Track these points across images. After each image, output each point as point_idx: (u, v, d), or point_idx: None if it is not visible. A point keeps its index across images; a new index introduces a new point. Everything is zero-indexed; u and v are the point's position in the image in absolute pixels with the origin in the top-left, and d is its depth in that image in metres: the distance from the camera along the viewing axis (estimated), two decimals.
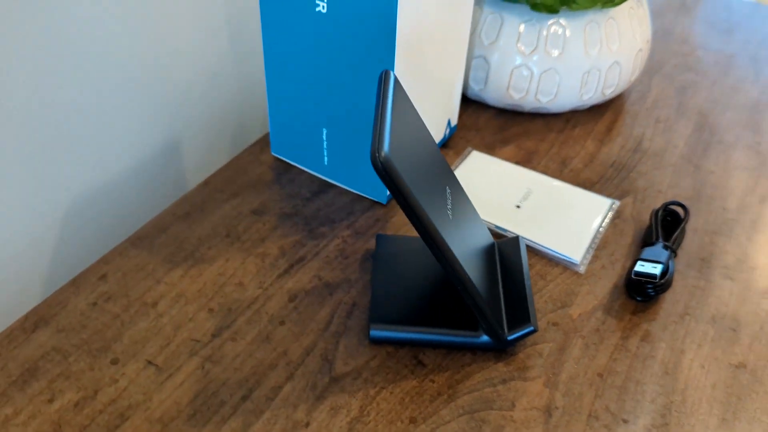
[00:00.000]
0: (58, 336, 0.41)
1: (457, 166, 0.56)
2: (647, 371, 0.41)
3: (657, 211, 0.51)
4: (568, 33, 0.58)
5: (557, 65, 0.59)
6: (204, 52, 0.59)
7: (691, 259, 0.49)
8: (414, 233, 0.50)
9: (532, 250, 0.49)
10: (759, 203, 0.55)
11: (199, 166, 0.63)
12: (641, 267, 0.46)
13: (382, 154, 0.33)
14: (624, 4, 0.60)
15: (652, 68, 0.73)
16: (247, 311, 0.44)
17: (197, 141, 0.62)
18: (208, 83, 0.61)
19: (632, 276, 0.45)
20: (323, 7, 0.45)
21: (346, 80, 0.48)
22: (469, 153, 0.58)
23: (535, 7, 0.56)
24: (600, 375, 0.41)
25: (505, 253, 0.46)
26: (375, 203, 0.53)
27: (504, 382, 0.40)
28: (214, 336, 0.42)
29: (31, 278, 0.51)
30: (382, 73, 0.39)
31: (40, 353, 0.40)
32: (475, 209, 0.45)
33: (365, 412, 0.38)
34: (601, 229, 0.51)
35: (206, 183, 0.54)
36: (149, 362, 0.40)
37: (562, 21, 0.58)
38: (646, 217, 0.53)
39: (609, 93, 0.63)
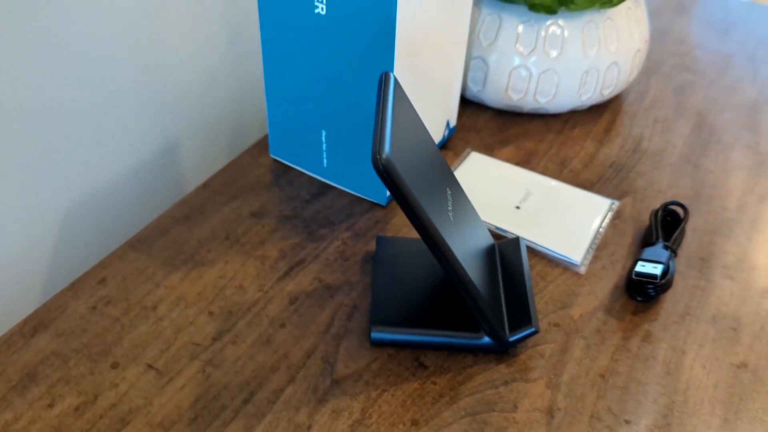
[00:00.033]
0: (57, 340, 0.41)
1: (456, 168, 0.56)
2: (649, 372, 0.41)
3: (657, 211, 0.51)
4: (566, 33, 0.58)
5: (556, 66, 0.59)
6: (202, 54, 0.59)
7: (691, 259, 0.49)
8: (414, 235, 0.50)
9: (533, 251, 0.49)
10: (758, 203, 0.55)
11: (197, 168, 0.63)
12: (642, 267, 0.46)
13: (384, 156, 0.33)
14: (622, 5, 0.60)
15: (649, 68, 0.73)
16: (247, 314, 0.44)
17: (195, 143, 0.62)
18: (206, 85, 0.61)
19: (633, 276, 0.45)
20: (322, 8, 0.45)
21: (346, 82, 0.48)
22: (468, 154, 0.58)
23: (534, 7, 0.56)
24: (602, 376, 0.41)
25: (505, 254, 0.46)
26: (374, 205, 0.53)
27: (506, 383, 0.40)
28: (214, 339, 0.42)
29: (30, 282, 0.50)
30: (382, 75, 0.39)
31: (40, 358, 0.40)
32: (475, 210, 0.45)
33: (367, 415, 0.38)
34: (601, 229, 0.51)
35: (205, 185, 0.54)
36: (150, 366, 0.40)
37: (561, 21, 0.58)
38: (645, 217, 0.53)
39: (607, 93, 0.63)
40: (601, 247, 0.50)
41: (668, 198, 0.55)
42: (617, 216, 0.53)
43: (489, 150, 0.59)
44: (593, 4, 0.56)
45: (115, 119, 0.53)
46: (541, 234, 0.50)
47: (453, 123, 0.59)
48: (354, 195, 0.53)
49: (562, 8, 0.57)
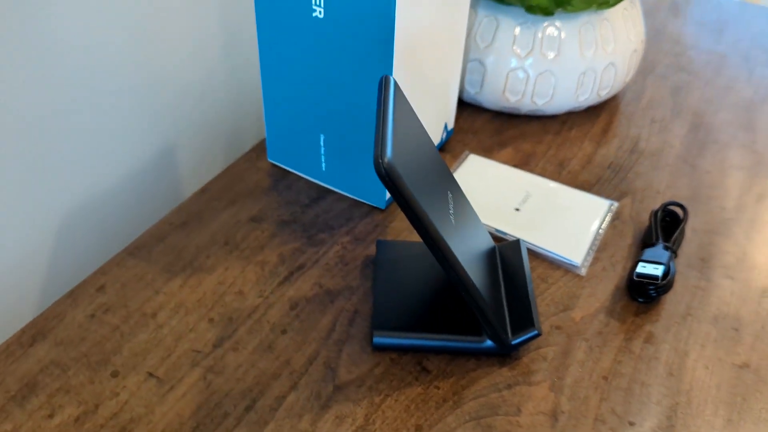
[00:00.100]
0: (56, 349, 0.41)
1: (454, 170, 0.56)
2: (652, 373, 0.41)
3: (656, 212, 0.51)
4: (563, 35, 0.58)
5: (553, 67, 0.59)
6: (198, 58, 0.58)
7: (691, 260, 0.49)
8: (414, 238, 0.50)
9: (533, 253, 0.49)
10: (756, 202, 0.55)
11: (194, 173, 0.63)
12: (643, 268, 0.46)
13: (386, 160, 0.32)
14: (618, 5, 0.60)
15: (645, 69, 0.73)
16: (248, 320, 0.43)
17: (192, 148, 0.62)
18: (203, 90, 0.60)
19: (634, 277, 0.45)
20: (320, 12, 0.45)
21: (344, 85, 0.47)
22: (467, 156, 0.58)
23: (530, 9, 0.56)
24: (605, 378, 0.41)
25: (506, 256, 0.46)
26: (374, 209, 0.53)
27: (509, 387, 0.40)
28: (215, 346, 0.42)
29: (28, 291, 0.50)
30: (382, 79, 0.39)
31: (39, 367, 0.40)
32: (475, 213, 0.45)
33: (370, 421, 0.38)
34: (600, 230, 0.51)
35: (203, 191, 0.53)
36: (150, 374, 0.40)
37: (557, 23, 0.58)
38: (644, 218, 0.53)
39: (604, 94, 0.63)
40: (601, 248, 0.50)
41: (666, 198, 0.55)
42: (616, 217, 0.53)
43: (487, 152, 0.59)
44: (590, 6, 0.56)
45: (111, 124, 0.52)
46: (541, 236, 0.50)
47: (451, 125, 0.59)
48: (353, 199, 0.53)
49: (559, 10, 0.57)
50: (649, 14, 0.86)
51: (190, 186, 0.63)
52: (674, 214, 0.52)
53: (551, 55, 0.59)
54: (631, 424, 0.39)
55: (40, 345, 0.41)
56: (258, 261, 0.47)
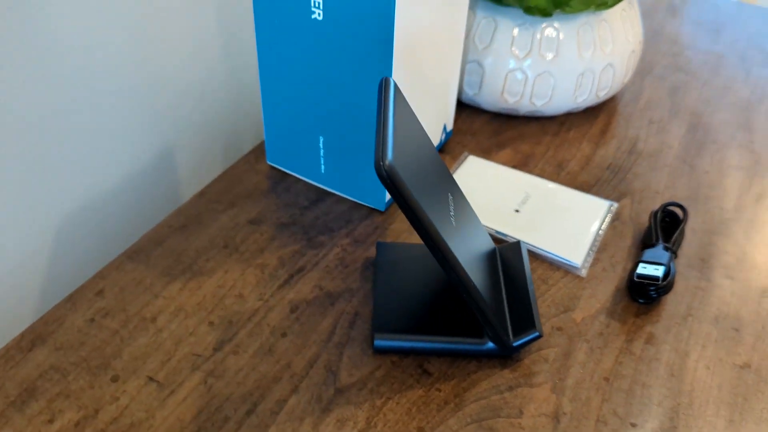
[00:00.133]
0: (56, 354, 0.41)
1: (454, 172, 0.56)
2: (653, 374, 0.41)
3: (656, 213, 0.51)
4: (561, 36, 0.58)
5: (551, 68, 0.59)
6: (197, 61, 0.58)
7: (691, 260, 0.49)
8: (414, 240, 0.50)
9: (533, 255, 0.49)
10: (755, 202, 0.55)
11: (192, 176, 0.63)
12: (643, 269, 0.46)
13: (387, 162, 0.32)
14: (616, 6, 0.60)
15: (643, 69, 0.73)
16: (248, 324, 0.43)
17: (191, 151, 0.61)
18: (201, 92, 0.60)
19: (634, 278, 0.45)
20: (319, 14, 0.45)
21: (343, 87, 0.47)
22: (466, 158, 0.58)
23: (529, 10, 0.56)
24: (606, 379, 0.41)
25: (506, 258, 0.46)
26: (373, 210, 0.52)
27: (511, 389, 0.40)
28: (215, 350, 0.41)
29: (26, 295, 0.50)
30: (382, 80, 0.39)
31: (38, 372, 0.40)
32: (476, 215, 0.45)
33: (372, 424, 0.38)
34: (600, 231, 0.51)
35: (201, 194, 0.53)
36: (150, 379, 0.40)
37: (556, 24, 0.58)
38: (644, 219, 0.53)
39: (603, 95, 0.63)
40: (601, 249, 0.50)
41: (666, 199, 0.55)
42: (616, 218, 0.53)
43: (486, 153, 0.59)
44: (588, 7, 0.56)
45: (108, 126, 0.52)
46: (541, 237, 0.50)
47: (450, 127, 0.59)
48: (352, 201, 0.53)
49: (557, 11, 0.57)
50: (646, 15, 0.86)
51: (189, 188, 0.63)
52: (674, 214, 0.52)
53: (550, 56, 0.59)
54: (633, 425, 0.38)
55: (40, 350, 0.41)
56: (258, 264, 0.47)
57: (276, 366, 0.41)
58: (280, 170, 0.56)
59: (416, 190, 0.34)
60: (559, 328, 0.44)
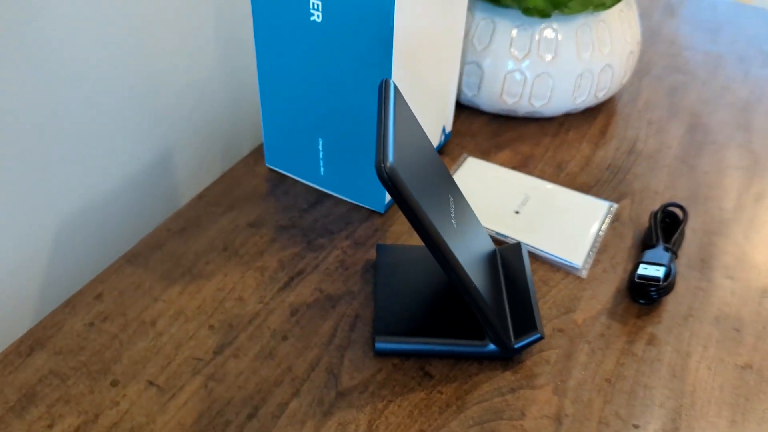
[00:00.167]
0: (55, 359, 0.40)
1: (453, 173, 0.56)
2: (655, 375, 0.41)
3: (656, 213, 0.51)
4: (560, 37, 0.58)
5: (550, 69, 0.59)
6: (195, 63, 0.58)
7: (692, 260, 0.49)
8: (414, 241, 0.50)
9: (533, 256, 0.49)
10: (754, 202, 0.55)
11: (191, 179, 0.63)
12: (644, 270, 0.46)
13: (388, 164, 0.32)
14: (614, 7, 0.60)
15: (641, 70, 0.73)
16: (248, 327, 0.43)
17: (189, 153, 0.61)
18: (200, 94, 0.60)
19: (635, 279, 0.45)
20: (318, 16, 0.45)
21: (342, 89, 0.47)
22: (465, 159, 0.58)
23: (527, 11, 0.56)
24: (608, 380, 0.41)
25: (507, 259, 0.46)
26: (373, 212, 0.52)
27: (512, 391, 0.40)
28: (216, 353, 0.41)
29: (25, 300, 0.49)
30: (382, 82, 0.38)
31: (38, 377, 0.39)
32: (476, 216, 0.45)
33: (374, 427, 0.38)
34: (600, 232, 0.51)
35: (200, 197, 0.53)
36: (150, 383, 0.39)
37: (554, 25, 0.58)
38: (644, 219, 0.53)
39: (601, 96, 0.63)
40: (601, 250, 0.50)
41: (665, 199, 0.55)
42: (616, 218, 0.53)
43: (485, 155, 0.59)
44: (587, 8, 0.56)
45: (106, 129, 0.52)
46: (541, 238, 0.50)
47: (449, 128, 0.59)
48: (352, 203, 0.53)
49: (556, 12, 0.57)
50: (643, 15, 0.86)
51: (188, 191, 0.63)
52: (674, 215, 0.52)
53: (548, 57, 0.59)
54: (636, 426, 0.38)
55: (39, 354, 0.41)
56: (257, 267, 0.47)
57: (277, 369, 0.40)
58: (279, 173, 0.56)
59: (417, 192, 0.34)
60: (560, 330, 0.44)
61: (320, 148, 0.51)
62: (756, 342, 0.44)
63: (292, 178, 0.55)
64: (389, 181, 0.32)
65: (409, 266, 0.46)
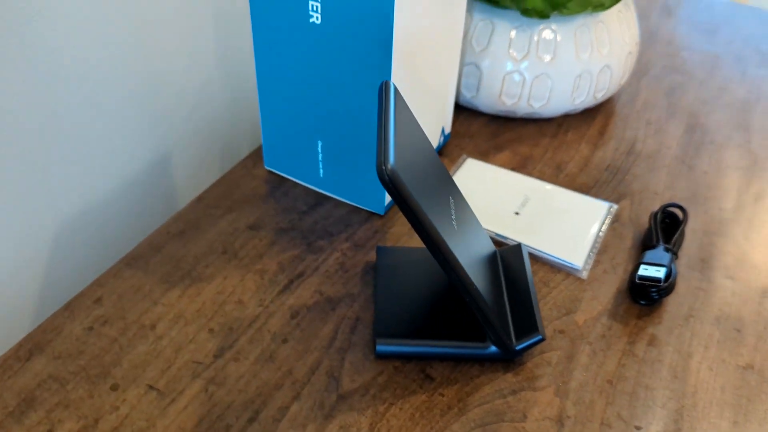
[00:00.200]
0: (54, 363, 0.40)
1: (453, 175, 0.56)
2: (656, 376, 0.41)
3: (656, 214, 0.51)
4: (559, 38, 0.58)
5: (549, 70, 0.59)
6: (194, 65, 0.58)
7: (692, 261, 0.49)
8: (414, 243, 0.50)
9: (534, 257, 0.49)
10: (754, 202, 0.55)
11: (189, 181, 0.62)
12: (645, 271, 0.45)
13: (389, 166, 0.32)
14: (613, 8, 0.60)
15: (639, 70, 0.73)
16: (248, 330, 0.43)
17: (188, 156, 0.61)
18: (199, 97, 0.60)
19: (636, 280, 0.45)
20: (317, 18, 0.44)
21: (342, 91, 0.47)
22: (464, 161, 0.57)
23: (526, 12, 0.56)
24: (609, 382, 0.41)
25: (507, 261, 0.46)
26: (372, 214, 0.52)
27: (514, 392, 0.40)
28: (216, 357, 0.41)
29: (23, 304, 0.49)
30: (382, 84, 0.38)
31: (37, 382, 0.39)
32: (476, 218, 0.45)
33: (375, 430, 0.38)
34: (600, 233, 0.51)
35: (199, 199, 0.53)
36: (150, 387, 0.39)
37: (553, 26, 0.58)
38: (644, 220, 0.53)
39: (600, 96, 0.63)
40: (601, 251, 0.50)
41: (665, 200, 0.55)
42: (616, 219, 0.53)
43: (484, 156, 0.59)
44: (585, 8, 0.56)
45: (105, 131, 0.52)
46: (541, 240, 0.50)
47: (448, 130, 0.59)
48: (351, 205, 0.53)
49: (555, 13, 0.57)
50: (641, 16, 0.86)
51: (187, 193, 0.62)
52: (673, 215, 0.52)
53: (547, 58, 0.58)
54: (638, 428, 0.38)
55: (38, 359, 0.40)
56: (257, 269, 0.47)
57: (277, 373, 0.40)
58: (278, 175, 0.56)
59: (418, 194, 0.34)
60: (561, 331, 0.44)
61: (319, 149, 0.51)
62: (757, 342, 0.44)
63: (292, 180, 0.55)
64: (390, 182, 0.32)
65: (409, 268, 0.46)
